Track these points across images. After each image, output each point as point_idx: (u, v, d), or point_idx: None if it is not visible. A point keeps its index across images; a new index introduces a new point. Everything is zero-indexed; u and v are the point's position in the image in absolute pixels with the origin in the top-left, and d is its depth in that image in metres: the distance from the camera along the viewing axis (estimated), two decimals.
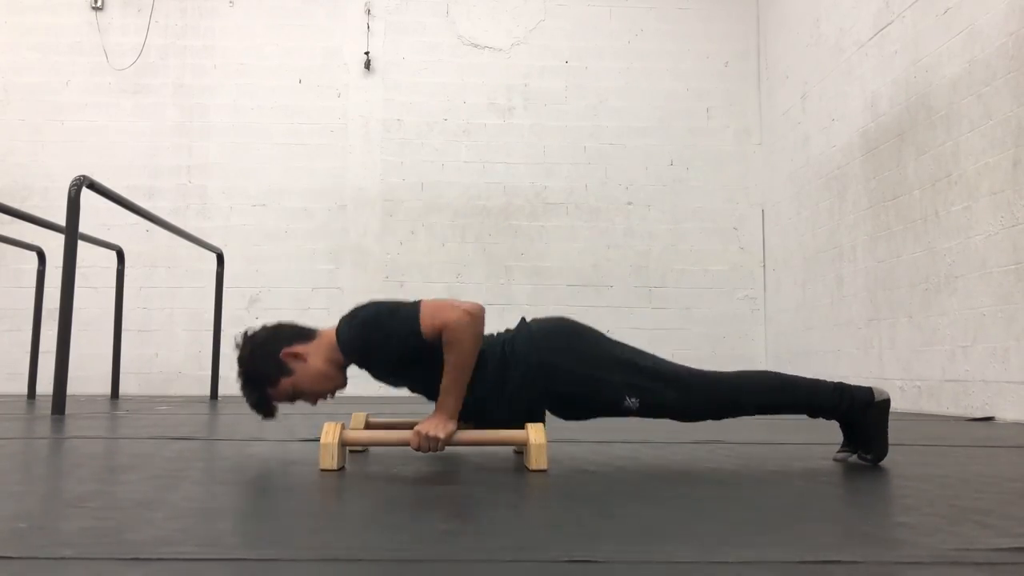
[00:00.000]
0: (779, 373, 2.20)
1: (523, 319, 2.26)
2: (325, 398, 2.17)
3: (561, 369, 2.12)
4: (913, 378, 5.18)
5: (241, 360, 2.12)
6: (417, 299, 2.09)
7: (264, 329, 2.16)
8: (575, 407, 2.17)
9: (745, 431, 3.30)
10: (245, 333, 2.16)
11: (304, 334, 2.15)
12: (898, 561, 1.07)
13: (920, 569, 1.03)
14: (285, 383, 2.10)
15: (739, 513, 1.40)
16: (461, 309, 2.01)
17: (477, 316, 2.02)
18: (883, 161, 5.55)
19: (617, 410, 2.13)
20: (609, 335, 2.25)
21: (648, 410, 2.11)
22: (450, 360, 2.01)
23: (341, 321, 2.11)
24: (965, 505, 1.51)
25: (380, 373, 2.18)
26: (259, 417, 2.16)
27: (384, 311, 2.08)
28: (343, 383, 2.17)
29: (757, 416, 2.18)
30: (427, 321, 2.01)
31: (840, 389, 2.11)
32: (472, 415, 2.13)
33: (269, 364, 2.10)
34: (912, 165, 5.19)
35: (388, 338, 2.05)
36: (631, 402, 2.09)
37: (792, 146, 7.15)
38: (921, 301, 5.09)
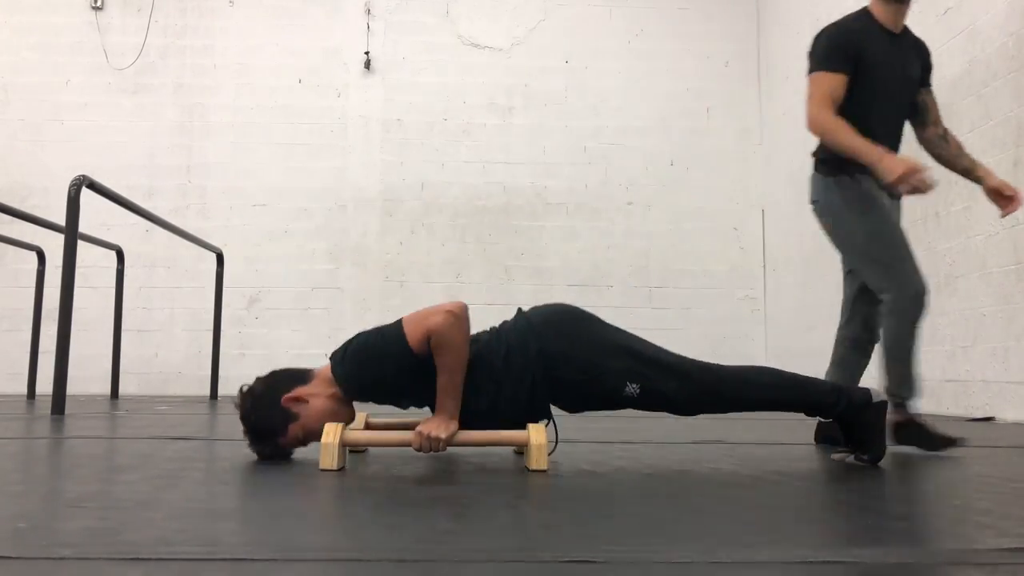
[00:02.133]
0: (779, 369, 2.20)
1: (519, 310, 2.24)
2: None
3: (561, 355, 2.10)
4: None
5: (245, 417, 2.11)
6: (398, 319, 2.08)
7: (259, 381, 2.15)
8: (576, 396, 2.16)
9: (745, 431, 3.30)
10: (241, 390, 2.14)
11: (300, 376, 2.14)
12: (898, 561, 1.07)
13: (920, 569, 1.03)
14: (294, 428, 2.09)
15: (739, 513, 1.40)
16: (443, 311, 2.01)
17: (459, 314, 2.02)
18: None
19: (618, 399, 2.12)
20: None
21: (648, 398, 2.10)
22: (442, 362, 2.01)
23: (332, 359, 2.11)
24: (965, 505, 1.51)
25: (383, 398, 2.17)
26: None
27: (371, 338, 2.08)
28: (351, 416, 2.16)
29: (755, 412, 2.18)
30: (413, 334, 2.01)
31: (837, 389, 2.13)
32: (483, 419, 2.11)
33: (273, 414, 2.09)
34: None
35: (382, 362, 2.04)
36: (632, 388, 2.08)
37: (792, 146, 7.14)
38: None
